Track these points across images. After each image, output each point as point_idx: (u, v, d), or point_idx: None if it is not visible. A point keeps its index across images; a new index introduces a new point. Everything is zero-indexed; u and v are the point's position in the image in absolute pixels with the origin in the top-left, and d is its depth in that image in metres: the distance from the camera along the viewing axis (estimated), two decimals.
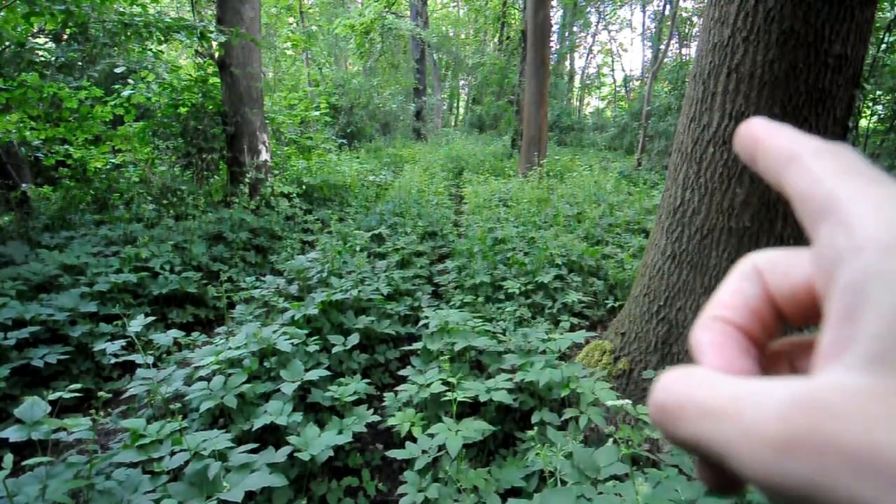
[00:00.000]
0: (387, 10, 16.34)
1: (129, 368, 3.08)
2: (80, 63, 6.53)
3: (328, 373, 2.37)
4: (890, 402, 0.13)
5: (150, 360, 2.39)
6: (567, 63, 27.41)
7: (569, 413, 1.97)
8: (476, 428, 1.91)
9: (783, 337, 0.22)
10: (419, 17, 17.70)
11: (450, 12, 26.99)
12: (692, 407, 0.16)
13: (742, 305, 0.20)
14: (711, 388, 0.16)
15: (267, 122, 7.08)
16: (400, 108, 17.45)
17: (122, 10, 4.94)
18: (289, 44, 13.59)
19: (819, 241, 0.16)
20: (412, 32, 16.93)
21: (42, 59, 5.89)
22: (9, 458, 1.51)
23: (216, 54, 6.22)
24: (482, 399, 2.08)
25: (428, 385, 2.20)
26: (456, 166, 11.67)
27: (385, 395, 2.39)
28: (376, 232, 5.12)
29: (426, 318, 2.76)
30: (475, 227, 5.34)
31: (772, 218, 2.21)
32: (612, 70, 31.32)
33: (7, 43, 4.81)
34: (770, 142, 0.19)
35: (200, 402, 2.08)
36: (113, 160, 6.08)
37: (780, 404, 0.14)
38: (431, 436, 1.91)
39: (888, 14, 8.88)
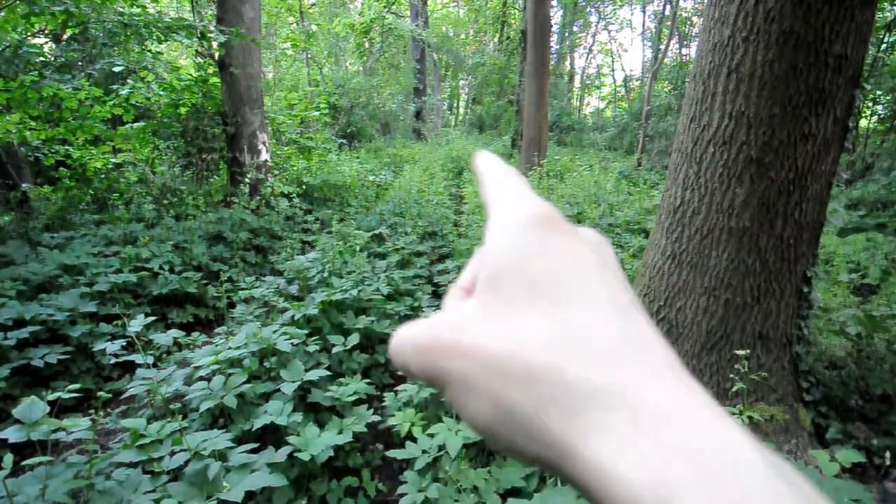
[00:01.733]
0: (387, 9, 16.34)
1: (129, 368, 3.08)
2: (80, 63, 6.52)
3: (328, 373, 2.36)
4: (478, 311, 0.22)
5: (150, 360, 2.39)
6: (567, 63, 27.38)
7: None
8: None
9: None
10: (419, 18, 17.69)
11: (450, 12, 26.95)
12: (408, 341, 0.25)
13: (473, 277, 0.28)
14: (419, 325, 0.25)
15: (267, 122, 7.08)
16: (400, 108, 17.42)
17: (121, 10, 4.94)
18: (289, 44, 13.57)
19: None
20: (412, 32, 16.93)
21: (41, 59, 5.89)
22: (9, 458, 1.51)
23: (216, 54, 6.22)
24: None
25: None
26: (456, 166, 11.65)
27: (385, 395, 2.39)
28: (376, 232, 5.12)
29: (426, 317, 2.75)
30: (475, 227, 5.34)
31: (772, 218, 2.20)
32: (612, 70, 31.28)
33: (6, 43, 4.81)
34: (479, 172, 0.28)
35: (200, 402, 2.08)
36: (113, 160, 6.07)
37: (432, 324, 0.23)
38: (431, 436, 1.91)
39: (888, 14, 8.89)
